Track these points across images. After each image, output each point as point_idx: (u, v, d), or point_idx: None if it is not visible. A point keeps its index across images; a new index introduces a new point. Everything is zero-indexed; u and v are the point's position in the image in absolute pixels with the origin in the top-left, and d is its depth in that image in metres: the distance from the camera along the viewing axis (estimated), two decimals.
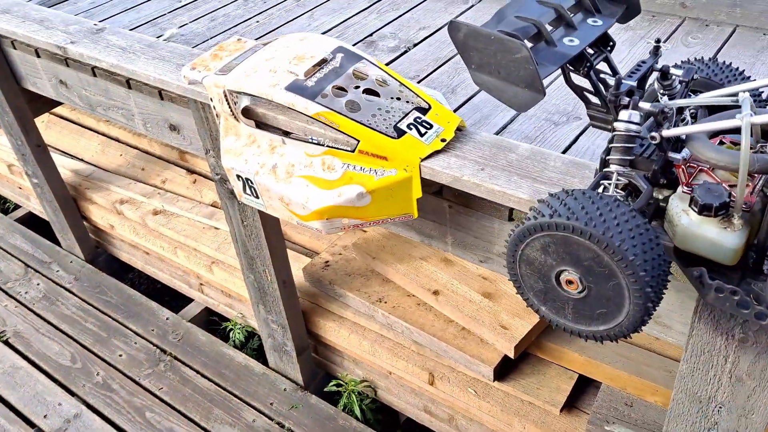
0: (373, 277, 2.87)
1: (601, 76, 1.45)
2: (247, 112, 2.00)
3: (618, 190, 1.36)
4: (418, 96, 1.86)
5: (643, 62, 1.43)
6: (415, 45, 2.70)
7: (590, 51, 1.43)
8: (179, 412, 3.13)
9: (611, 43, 1.46)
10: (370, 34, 2.81)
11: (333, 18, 2.99)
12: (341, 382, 3.15)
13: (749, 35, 2.52)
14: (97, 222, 3.97)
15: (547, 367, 2.52)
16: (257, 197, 1.98)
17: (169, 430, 3.06)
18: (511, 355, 2.43)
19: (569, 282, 1.29)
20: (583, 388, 2.50)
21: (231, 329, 3.58)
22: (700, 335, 1.57)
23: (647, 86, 1.47)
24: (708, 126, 1.25)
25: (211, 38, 2.90)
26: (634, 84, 1.36)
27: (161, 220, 3.61)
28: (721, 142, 1.41)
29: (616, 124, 1.34)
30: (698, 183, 1.33)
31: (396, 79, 1.90)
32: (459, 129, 1.82)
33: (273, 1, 3.21)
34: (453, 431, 2.86)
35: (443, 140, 1.75)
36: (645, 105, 1.32)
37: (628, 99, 1.34)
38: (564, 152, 1.98)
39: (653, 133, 1.32)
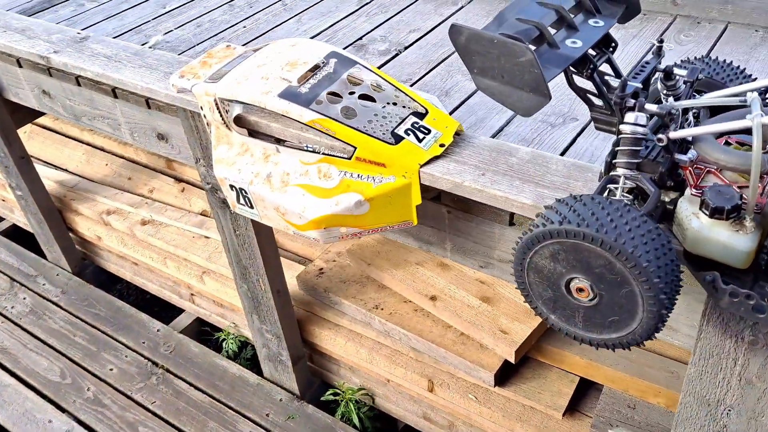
0: (369, 283, 2.83)
1: (604, 77, 1.42)
2: (239, 121, 1.96)
3: (625, 194, 1.34)
4: (414, 100, 1.82)
5: (647, 63, 1.41)
6: (406, 48, 2.66)
7: (592, 52, 1.40)
8: (173, 426, 3.07)
9: (613, 44, 1.44)
10: (360, 38, 2.77)
11: (321, 22, 2.94)
12: (338, 391, 3.11)
13: (741, 32, 2.51)
14: (83, 233, 3.90)
15: (547, 370, 2.50)
16: (252, 207, 1.94)
17: None
18: (512, 360, 2.40)
19: (580, 290, 1.26)
20: (585, 391, 2.48)
21: (224, 339, 3.52)
22: (709, 338, 1.55)
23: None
24: (717, 127, 1.23)
25: (198, 44, 2.85)
26: (640, 85, 1.33)
27: (150, 231, 3.55)
28: (727, 143, 1.39)
29: (622, 127, 1.31)
30: (707, 185, 1.31)
31: (391, 84, 1.86)
32: (457, 133, 1.79)
33: (259, 6, 3.15)
34: None
35: (442, 145, 1.72)
36: (651, 107, 1.29)
37: (633, 101, 1.31)
38: (562, 154, 1.95)
39: (661, 135, 1.29)
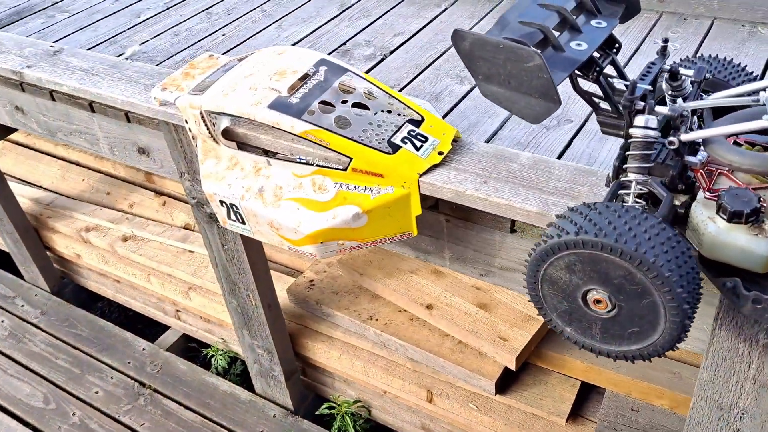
0: (362, 293, 2.77)
1: (608, 79, 1.38)
2: (226, 133, 1.89)
3: (637, 200, 1.30)
4: (409, 107, 1.77)
5: (653, 63, 1.37)
6: (392, 52, 2.61)
7: (596, 54, 1.36)
8: None
9: (617, 45, 1.40)
10: (344, 43, 2.71)
11: (303, 28, 2.88)
12: (334, 404, 3.04)
13: (728, 27, 2.50)
14: (61, 252, 3.77)
15: (548, 376, 2.46)
16: (243, 223, 1.87)
17: None
18: (513, 367, 2.36)
19: (597, 301, 1.21)
20: (586, 395, 2.45)
21: (212, 356, 3.43)
22: (722, 342, 1.52)
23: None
24: (733, 128, 1.19)
25: (176, 54, 2.76)
26: (649, 87, 1.29)
27: (131, 247, 3.45)
28: (736, 143, 1.36)
29: (632, 131, 1.27)
30: (720, 188, 1.28)
31: (384, 91, 1.80)
32: (455, 140, 1.74)
33: (238, 13, 3.08)
34: None
35: (441, 153, 1.67)
36: (662, 109, 1.25)
37: (642, 103, 1.27)
38: (559, 157, 1.91)
39: (672, 138, 1.25)
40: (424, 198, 1.70)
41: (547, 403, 2.38)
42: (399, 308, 2.68)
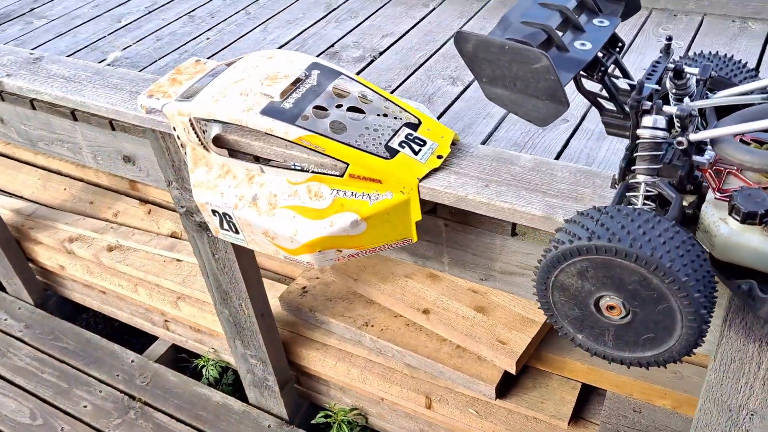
0: (356, 299, 2.72)
1: (612, 79, 1.35)
2: (217, 140, 1.83)
3: (647, 202, 1.27)
4: (405, 110, 1.72)
5: (658, 62, 1.34)
6: (381, 53, 2.56)
7: (599, 53, 1.33)
8: None
9: (620, 44, 1.37)
10: (332, 45, 2.66)
11: (289, 30, 2.82)
12: (329, 413, 2.99)
13: (718, 23, 2.49)
14: (44, 263, 3.68)
15: (548, 378, 2.43)
16: (237, 233, 1.81)
17: None
18: (513, 371, 2.33)
19: (611, 308, 1.18)
20: (587, 397, 2.42)
21: (203, 366, 3.36)
22: (731, 343, 1.49)
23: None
24: (743, 127, 1.16)
25: (160, 59, 2.69)
26: (657, 87, 1.26)
27: (117, 257, 3.37)
28: (743, 141, 1.34)
29: (640, 132, 1.24)
30: (730, 188, 1.25)
31: (379, 94, 1.76)
32: (453, 143, 1.70)
33: (222, 16, 3.01)
34: None
35: (440, 157, 1.63)
36: (670, 108, 1.22)
37: (649, 103, 1.24)
38: (557, 157, 1.88)
39: (680, 138, 1.23)
40: (422, 203, 1.67)
41: (549, 407, 2.35)
42: (395, 314, 2.64)
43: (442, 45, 2.56)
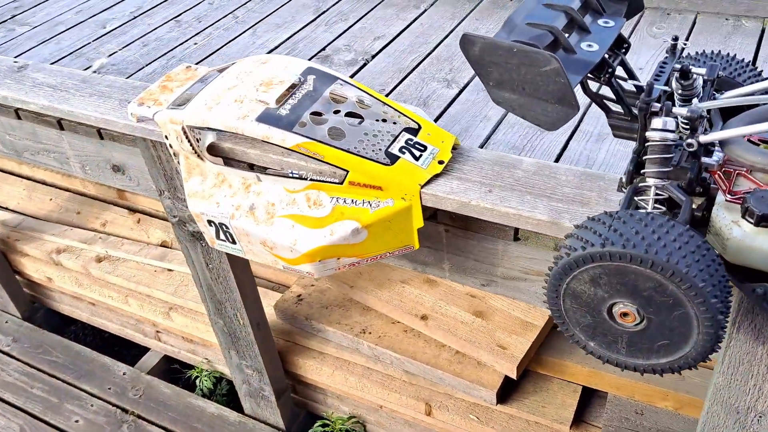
0: (353, 306, 2.69)
1: (619, 81, 1.33)
2: (211, 149, 1.79)
3: (657, 206, 1.24)
4: (404, 115, 1.69)
5: (665, 63, 1.32)
6: (373, 56, 2.53)
7: (606, 55, 1.30)
8: None
9: (626, 45, 1.34)
10: (323, 48, 2.63)
11: (279, 34, 2.78)
12: (327, 422, 2.94)
13: (712, 21, 2.49)
14: (31, 276, 3.61)
15: (548, 382, 2.41)
16: (234, 243, 1.77)
17: None
18: (514, 375, 2.30)
19: (624, 314, 1.15)
20: (588, 400, 2.40)
21: (197, 377, 3.31)
22: (739, 346, 1.48)
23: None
24: (754, 128, 1.15)
25: (147, 65, 2.64)
26: (666, 89, 1.24)
27: (107, 268, 3.30)
28: (750, 142, 1.32)
29: (650, 134, 1.21)
30: (741, 190, 1.23)
31: (376, 98, 1.73)
32: (453, 148, 1.67)
33: (209, 20, 2.97)
34: None
35: (441, 162, 1.60)
36: (680, 110, 1.20)
37: (659, 105, 1.22)
38: (557, 160, 1.86)
39: (691, 140, 1.20)
40: (423, 209, 1.63)
41: (550, 411, 2.33)
42: (392, 320, 2.60)
43: (435, 47, 2.53)
